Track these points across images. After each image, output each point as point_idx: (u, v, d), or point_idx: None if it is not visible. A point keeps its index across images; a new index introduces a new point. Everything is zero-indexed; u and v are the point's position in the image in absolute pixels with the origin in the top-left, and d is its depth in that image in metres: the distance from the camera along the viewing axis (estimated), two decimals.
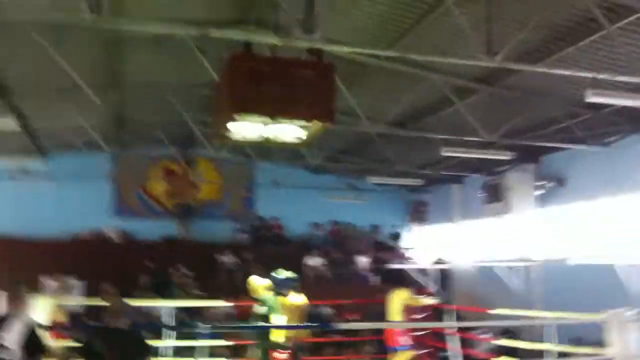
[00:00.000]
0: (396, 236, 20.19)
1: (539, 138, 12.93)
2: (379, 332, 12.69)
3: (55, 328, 9.54)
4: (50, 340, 9.10)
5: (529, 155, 14.38)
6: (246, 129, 9.87)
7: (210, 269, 16.88)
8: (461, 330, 10.87)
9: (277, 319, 8.36)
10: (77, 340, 6.31)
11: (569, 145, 12.97)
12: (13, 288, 5.17)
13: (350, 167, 17.82)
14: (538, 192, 14.37)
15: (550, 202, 14.36)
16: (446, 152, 13.15)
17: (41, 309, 8.98)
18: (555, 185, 14.15)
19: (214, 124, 10.81)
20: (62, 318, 10.55)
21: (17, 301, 5.10)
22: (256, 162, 18.76)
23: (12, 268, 13.54)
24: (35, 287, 11.46)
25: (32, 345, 4.91)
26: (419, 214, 19.58)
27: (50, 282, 11.74)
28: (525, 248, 14.73)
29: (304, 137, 10.27)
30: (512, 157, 13.48)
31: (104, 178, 18.15)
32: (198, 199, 19.39)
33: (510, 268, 14.81)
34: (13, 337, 4.85)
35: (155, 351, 10.40)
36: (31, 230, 17.18)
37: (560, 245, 13.77)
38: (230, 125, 9.61)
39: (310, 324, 8.26)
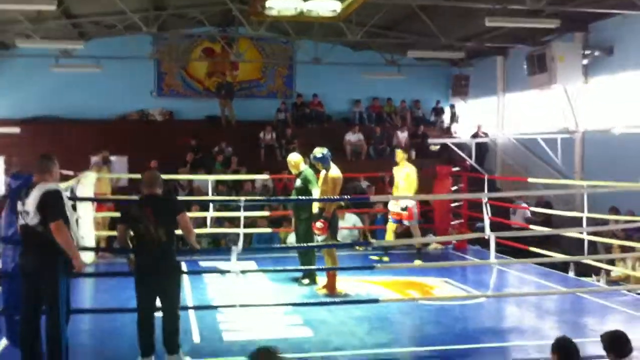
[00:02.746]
0: (437, 111, 19.98)
1: (588, 4, 12.31)
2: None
3: (99, 200, 10.14)
4: (91, 211, 9.66)
5: (576, 23, 13.79)
6: (282, 3, 9.76)
7: (251, 146, 17.17)
8: (499, 200, 10.95)
9: (315, 192, 8.58)
10: (118, 209, 6.66)
11: (620, 11, 12.34)
12: (40, 160, 5.44)
13: (391, 42, 17.39)
14: (585, 62, 13.88)
15: (597, 72, 13.90)
16: (490, 22, 12.67)
17: (87, 183, 9.43)
18: (602, 54, 13.62)
19: (251, 0, 10.67)
20: (107, 190, 11.10)
21: (44, 172, 5.36)
22: (296, 40, 18.49)
23: (62, 149, 14.11)
24: (84, 165, 11.93)
25: (46, 207, 5.18)
26: (461, 88, 19.21)
27: (96, 160, 12.19)
28: (569, 119, 14.46)
29: (339, 10, 10.12)
30: (559, 26, 12.91)
31: (146, 60, 18.24)
32: (239, 78, 19.41)
33: (552, 140, 14.61)
34: (31, 201, 5.15)
35: (199, 222, 10.93)
36: (79, 113, 17.68)
37: (605, 116, 13.47)
38: (266, 1, 9.51)
39: (345, 197, 8.43)
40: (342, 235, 11.14)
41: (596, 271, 9.37)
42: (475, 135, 17.90)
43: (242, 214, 8.25)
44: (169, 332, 5.71)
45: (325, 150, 8.40)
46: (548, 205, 12.54)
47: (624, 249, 8.73)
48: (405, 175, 10.43)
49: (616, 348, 4.94)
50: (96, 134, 16.33)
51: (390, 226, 10.60)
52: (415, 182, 10.28)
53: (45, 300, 5.29)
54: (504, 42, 16.35)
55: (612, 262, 9.04)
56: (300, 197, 8.80)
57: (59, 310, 5.27)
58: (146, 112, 18.66)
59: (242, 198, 7.13)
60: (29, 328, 5.32)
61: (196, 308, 7.27)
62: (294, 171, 9.09)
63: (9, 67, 17.60)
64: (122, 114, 18.47)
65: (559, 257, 8.64)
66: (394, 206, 10.55)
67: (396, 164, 10.74)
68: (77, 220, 6.59)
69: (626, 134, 12.13)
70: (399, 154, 10.77)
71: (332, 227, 8.16)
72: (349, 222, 11.93)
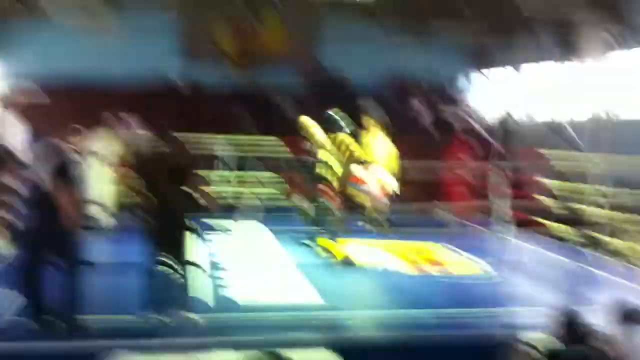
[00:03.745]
0: (459, 87, 19.69)
1: None
2: None
3: (113, 158, 10.21)
4: (106, 169, 9.74)
5: None
6: None
7: (269, 111, 17.01)
8: (513, 172, 10.84)
9: (325, 155, 8.56)
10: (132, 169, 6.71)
11: None
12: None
13: (412, 10, 17.08)
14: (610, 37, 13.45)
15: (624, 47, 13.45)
16: None
17: (103, 142, 9.50)
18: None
19: None
20: (121, 150, 11.16)
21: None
22: (322, 13, 18.23)
23: (86, 115, 14.08)
24: (99, 123, 11.98)
25: (62, 174, 5.27)
26: (485, 62, 18.88)
27: (113, 119, 12.20)
28: (600, 104, 13.90)
29: None
30: None
31: (172, 31, 18.11)
32: (264, 50, 19.22)
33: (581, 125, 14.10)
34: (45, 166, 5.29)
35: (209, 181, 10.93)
36: (105, 81, 17.63)
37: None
38: None
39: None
40: None
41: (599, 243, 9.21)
42: (500, 120, 17.57)
43: (252, 174, 8.25)
44: (176, 288, 5.77)
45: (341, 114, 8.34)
46: (563, 177, 12.27)
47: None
48: None
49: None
50: (120, 102, 15.89)
51: None
52: None
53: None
54: (531, 13, 15.87)
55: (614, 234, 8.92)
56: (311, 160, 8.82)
57: (74, 262, 5.46)
58: (171, 81, 18.43)
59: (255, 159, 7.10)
60: None
61: (204, 267, 7.30)
62: (306, 134, 9.06)
63: None
64: (146, 83, 18.27)
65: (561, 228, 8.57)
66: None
67: None
68: None
69: None
70: None
71: (340, 191, 8.18)
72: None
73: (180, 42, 18.66)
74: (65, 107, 15.25)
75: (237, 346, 5.35)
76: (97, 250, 7.91)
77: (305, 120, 9.16)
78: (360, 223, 9.28)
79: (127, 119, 12.50)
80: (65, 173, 5.37)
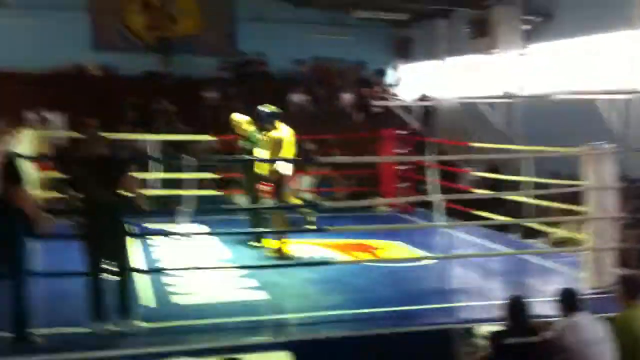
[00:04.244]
0: (381, 73, 20.02)
1: None
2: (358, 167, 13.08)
3: (39, 159, 9.75)
4: (32, 171, 9.30)
5: None
6: None
7: (194, 105, 16.81)
8: (443, 164, 11.14)
9: (260, 153, 8.50)
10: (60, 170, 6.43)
11: None
12: None
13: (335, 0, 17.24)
14: (525, 28, 14.12)
15: (537, 38, 14.18)
16: None
17: (25, 142, 9.03)
18: (542, 20, 13.88)
19: None
20: (45, 150, 10.69)
21: None
22: None
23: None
24: (18, 121, 11.41)
25: (11, 175, 4.98)
26: (404, 50, 19.29)
27: (32, 116, 11.71)
28: (509, 84, 14.76)
29: None
30: None
31: (81, 10, 17.45)
32: (178, 33, 18.83)
33: (493, 104, 14.90)
34: None
35: (143, 183, 10.68)
36: (9, 64, 16.80)
37: (544, 82, 13.81)
38: None
39: (292, 158, 8.39)
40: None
41: (542, 235, 9.70)
42: (419, 99, 18.06)
43: (190, 175, 8.10)
44: (120, 296, 5.63)
45: (271, 108, 8.31)
46: (495, 169, 12.84)
47: (564, 213, 9.05)
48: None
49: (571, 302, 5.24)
50: (30, 88, 15.59)
51: None
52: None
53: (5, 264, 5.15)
54: (447, 4, 16.42)
55: (554, 224, 9.38)
56: (246, 158, 8.72)
57: (19, 276, 5.20)
58: (82, 66, 17.94)
59: (190, 159, 6.98)
60: None
61: (147, 272, 7.16)
62: (238, 131, 8.98)
63: None
64: (55, 68, 17.67)
65: (502, 219, 8.89)
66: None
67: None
68: None
69: (565, 101, 12.49)
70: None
71: (279, 190, 8.13)
72: (307, 184, 11.98)
73: (91, 25, 18.14)
74: None
75: (192, 354, 5.30)
76: (38, 258, 7.58)
77: (238, 117, 9.06)
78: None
79: (46, 115, 12.04)
80: (13, 173, 5.07)
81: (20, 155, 5.51)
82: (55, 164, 9.96)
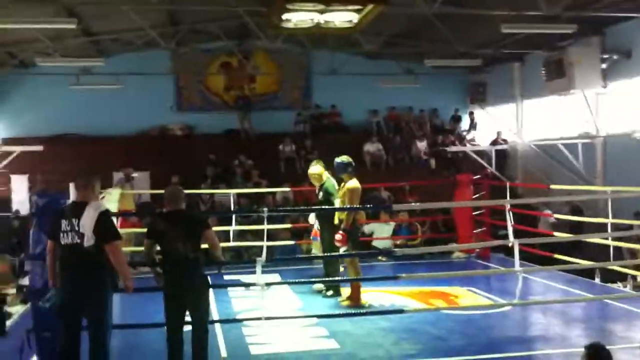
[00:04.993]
0: (456, 119, 19.95)
1: (604, 8, 12.28)
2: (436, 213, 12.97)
3: (123, 215, 10.24)
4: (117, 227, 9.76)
5: (593, 27, 13.74)
6: (299, 16, 9.82)
7: (271, 159, 17.27)
8: (522, 207, 10.89)
9: (337, 203, 8.60)
10: (144, 225, 6.69)
11: (637, 14, 12.28)
12: (82, 177, 5.49)
13: (407, 50, 17.44)
14: (603, 66, 13.82)
15: (615, 76, 13.83)
16: (506, 29, 12.56)
17: (111, 199, 9.55)
18: (621, 57, 13.56)
19: (267, 13, 10.75)
20: (130, 206, 11.22)
21: (87, 189, 5.41)
22: (312, 51, 18.58)
23: (85, 165, 14.30)
24: (107, 182, 12.07)
25: (104, 229, 5.26)
26: (478, 95, 19.16)
27: (120, 176, 12.38)
28: (589, 124, 14.38)
29: (356, 21, 10.16)
30: (576, 30, 12.86)
31: (164, 75, 18.46)
32: (256, 91, 19.53)
33: (573, 145, 14.52)
34: (87, 222, 5.20)
35: (222, 236, 10.99)
36: (99, 130, 17.90)
37: (625, 120, 13.38)
38: (283, 14, 9.58)
39: (367, 206, 8.43)
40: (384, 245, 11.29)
41: (622, 277, 9.29)
42: (494, 143, 17.85)
43: (265, 226, 8.29)
44: (199, 347, 5.73)
45: (345, 159, 8.43)
46: (578, 211, 12.43)
47: None
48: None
49: None
50: (118, 151, 16.53)
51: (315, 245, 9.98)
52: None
53: (90, 318, 5.37)
54: (521, 48, 16.31)
55: (638, 267, 8.96)
56: (322, 207, 8.83)
57: (105, 328, 5.38)
58: (166, 127, 18.85)
59: (265, 209, 7.15)
60: (71, 345, 5.37)
61: (223, 322, 7.31)
62: (315, 183, 9.12)
63: (30, 85, 17.88)
64: (142, 130, 18.67)
65: (583, 263, 8.58)
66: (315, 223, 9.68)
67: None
68: None
69: None
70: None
71: (352, 238, 8.17)
72: (386, 232, 12.03)
73: (174, 89, 19.06)
74: (63, 160, 15.48)
75: None
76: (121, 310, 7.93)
77: (314, 169, 9.19)
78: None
79: (132, 174, 12.66)
80: (108, 228, 5.40)
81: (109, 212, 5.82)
82: (140, 220, 10.44)
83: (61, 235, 5.29)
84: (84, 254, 5.22)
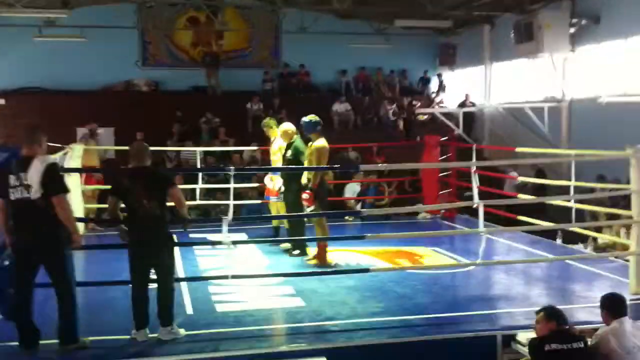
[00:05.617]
0: (424, 81, 19.94)
1: None
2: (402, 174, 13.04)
3: (87, 171, 10.06)
4: (80, 184, 9.59)
5: None
6: None
7: (238, 117, 17.08)
8: (487, 169, 11.00)
9: (305, 163, 8.54)
10: (108, 181, 6.58)
11: None
12: (28, 132, 5.39)
13: (378, 10, 17.27)
14: (571, 31, 13.88)
15: (583, 41, 13.92)
16: None
17: (75, 155, 9.36)
18: (589, 22, 13.63)
19: None
20: (94, 162, 11.03)
21: (34, 143, 5.31)
22: (282, 9, 18.31)
23: (48, 120, 13.97)
24: (70, 137, 11.84)
25: (51, 181, 5.17)
26: (448, 57, 19.18)
27: (82, 131, 12.13)
28: (556, 88, 14.51)
29: None
30: None
31: (130, 30, 18.00)
32: (224, 48, 19.20)
33: (539, 109, 14.65)
34: (34, 175, 5.11)
35: (188, 194, 10.91)
36: (63, 84, 17.45)
37: (591, 85, 13.53)
38: None
39: (334, 166, 8.42)
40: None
41: (583, 239, 9.49)
42: (462, 105, 17.90)
43: (231, 185, 8.21)
44: (163, 304, 5.72)
45: (313, 118, 8.37)
46: (542, 173, 12.59)
47: (610, 217, 8.83)
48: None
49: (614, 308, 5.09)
50: (81, 105, 16.17)
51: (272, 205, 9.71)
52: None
53: (51, 270, 5.33)
54: (491, 10, 16.30)
55: (599, 229, 9.16)
56: (290, 167, 8.78)
57: (69, 282, 5.34)
58: (131, 82, 18.47)
59: (232, 168, 7.07)
60: (24, 301, 5.35)
61: (189, 280, 7.29)
62: (285, 141, 9.04)
63: None
64: (107, 85, 18.27)
65: (546, 224, 8.72)
66: (269, 182, 9.64)
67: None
68: None
69: (612, 103, 12.19)
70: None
71: (320, 198, 8.16)
72: (352, 191, 12.03)
73: (140, 44, 18.61)
74: (25, 114, 15.12)
75: None
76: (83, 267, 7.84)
77: (290, 126, 9.11)
78: None
79: (96, 130, 12.43)
80: (54, 181, 5.28)
81: (66, 169, 5.72)
82: (104, 176, 10.28)
83: (10, 191, 5.20)
84: (34, 207, 5.16)
